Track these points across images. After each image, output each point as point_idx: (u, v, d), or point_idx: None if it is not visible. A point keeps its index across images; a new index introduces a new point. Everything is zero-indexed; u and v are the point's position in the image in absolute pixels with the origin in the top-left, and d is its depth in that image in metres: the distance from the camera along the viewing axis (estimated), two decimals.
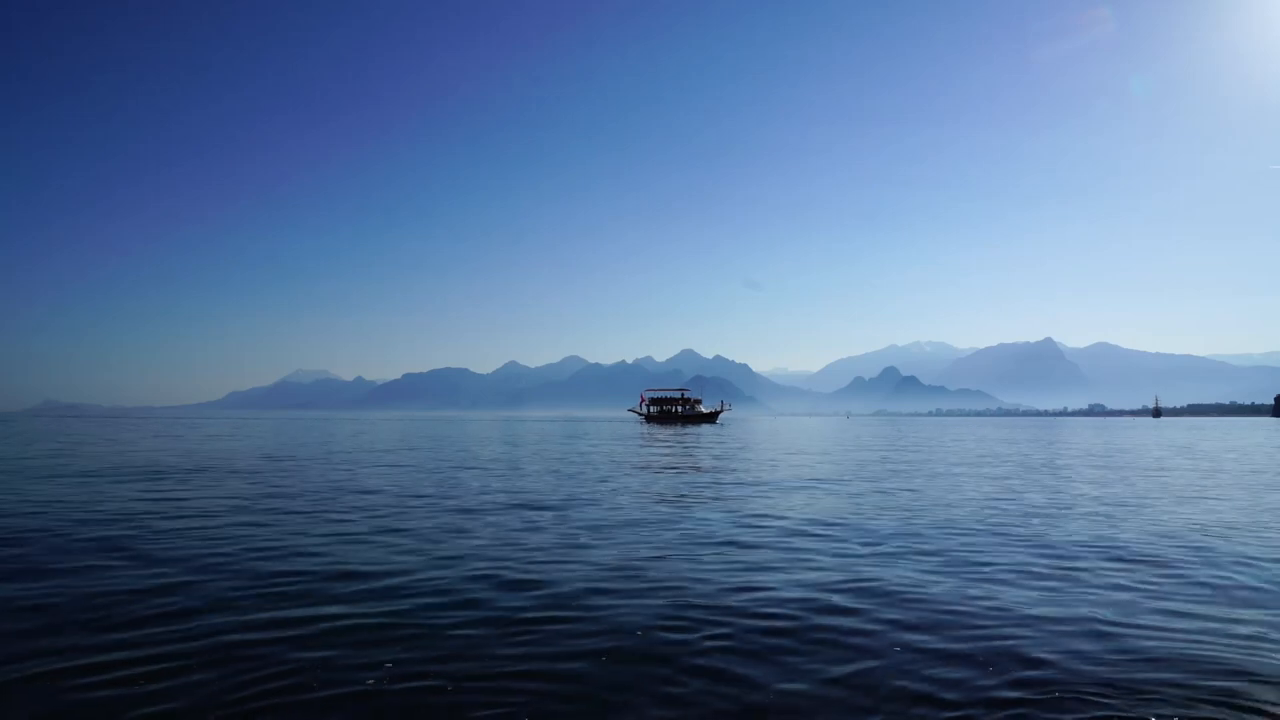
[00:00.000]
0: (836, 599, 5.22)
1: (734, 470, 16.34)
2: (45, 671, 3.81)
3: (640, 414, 76.02)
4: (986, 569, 6.28)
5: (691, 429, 51.13)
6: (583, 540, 7.46)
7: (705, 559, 6.62)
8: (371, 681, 3.70)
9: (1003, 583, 5.78)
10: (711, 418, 74.90)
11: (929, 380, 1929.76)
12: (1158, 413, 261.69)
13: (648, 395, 75.71)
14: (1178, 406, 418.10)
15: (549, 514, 9.32)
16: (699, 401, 74.75)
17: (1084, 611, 4.97)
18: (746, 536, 7.77)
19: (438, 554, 6.72)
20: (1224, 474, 16.49)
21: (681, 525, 8.50)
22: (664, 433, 42.57)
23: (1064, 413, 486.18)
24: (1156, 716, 3.39)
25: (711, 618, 4.75)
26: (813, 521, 8.81)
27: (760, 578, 5.87)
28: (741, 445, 28.80)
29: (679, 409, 73.66)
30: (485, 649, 4.17)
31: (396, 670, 3.84)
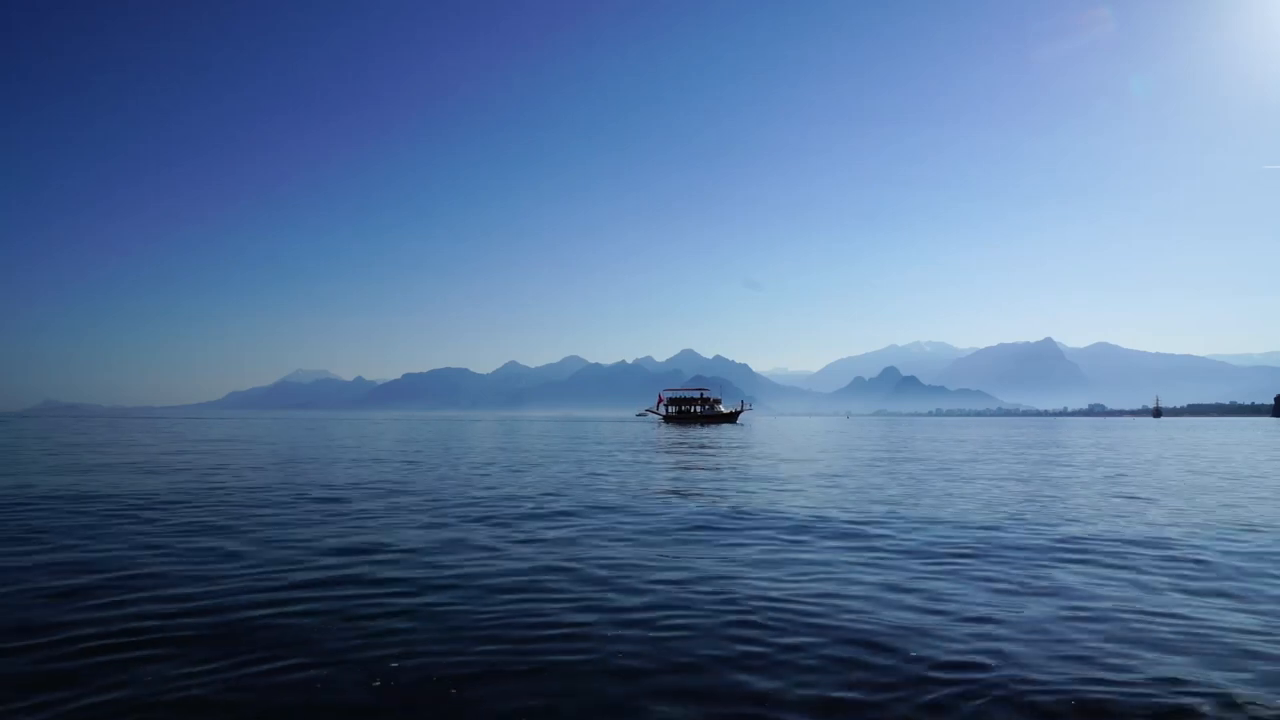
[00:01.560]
0: None
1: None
2: None
3: (658, 414, 75.04)
4: None
5: (712, 430, 49.82)
6: None
7: None
8: None
9: None
10: (732, 418, 73.60)
11: (929, 380, 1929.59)
12: (1158, 413, 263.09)
13: (666, 395, 74.75)
14: (1178, 406, 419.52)
15: None
16: (719, 401, 73.56)
17: None
18: None
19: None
20: None
21: None
22: (686, 435, 39.76)
23: (1064, 413, 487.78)
24: None
25: None
26: None
27: None
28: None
29: (698, 409, 72.61)
30: None
31: None
